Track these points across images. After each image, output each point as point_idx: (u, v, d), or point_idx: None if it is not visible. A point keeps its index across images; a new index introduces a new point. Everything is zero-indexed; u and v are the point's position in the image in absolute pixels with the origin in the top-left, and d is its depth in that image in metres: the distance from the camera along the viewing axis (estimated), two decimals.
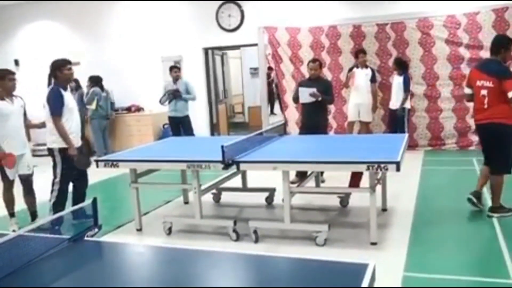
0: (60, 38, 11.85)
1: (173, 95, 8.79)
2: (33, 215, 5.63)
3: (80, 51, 11.54)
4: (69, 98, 5.40)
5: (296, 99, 7.06)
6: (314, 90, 6.62)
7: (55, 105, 5.22)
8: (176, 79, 8.97)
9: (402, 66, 8.66)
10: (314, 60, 7.05)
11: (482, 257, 4.21)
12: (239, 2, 10.27)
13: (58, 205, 5.32)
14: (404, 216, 5.30)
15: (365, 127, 8.97)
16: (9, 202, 5.63)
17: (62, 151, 5.30)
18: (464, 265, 4.04)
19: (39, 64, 11.56)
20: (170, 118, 9.02)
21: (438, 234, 4.73)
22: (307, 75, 9.36)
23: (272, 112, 12.65)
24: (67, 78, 5.41)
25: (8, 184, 5.55)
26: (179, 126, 8.94)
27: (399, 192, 6.03)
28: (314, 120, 6.77)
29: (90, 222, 2.68)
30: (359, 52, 8.80)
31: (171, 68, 9.10)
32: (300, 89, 6.82)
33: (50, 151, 5.37)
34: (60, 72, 5.33)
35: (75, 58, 11.36)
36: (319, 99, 6.65)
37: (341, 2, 9.52)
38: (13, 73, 5.61)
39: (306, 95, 6.68)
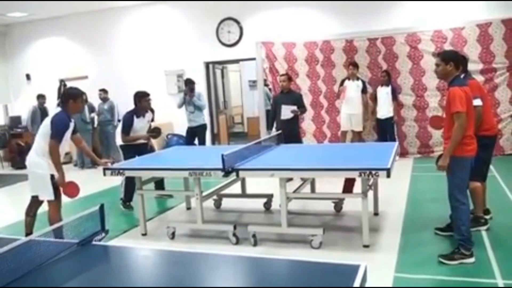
0: (68, 54, 11.90)
1: (186, 92, 8.67)
2: None
3: (88, 65, 11.61)
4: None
5: (274, 116, 7.46)
6: (294, 107, 7.17)
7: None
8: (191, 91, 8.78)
9: (390, 77, 8.88)
10: (282, 74, 7.69)
11: None
12: (238, 19, 10.33)
13: (127, 193, 6.37)
14: (395, 220, 5.31)
15: (357, 136, 9.00)
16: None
17: (121, 148, 6.47)
18: (451, 266, 4.03)
19: (49, 78, 11.67)
20: (187, 128, 8.97)
21: (427, 236, 4.73)
22: (302, 88, 9.50)
23: None
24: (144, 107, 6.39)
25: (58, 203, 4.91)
26: (194, 135, 8.89)
27: (390, 197, 6.03)
28: (290, 131, 7.14)
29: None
30: (349, 65, 8.88)
31: (185, 83, 9.02)
32: (283, 107, 7.19)
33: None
34: (139, 102, 6.40)
35: (83, 72, 11.51)
36: (298, 113, 7.31)
37: (334, 18, 9.59)
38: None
39: (288, 112, 7.16)
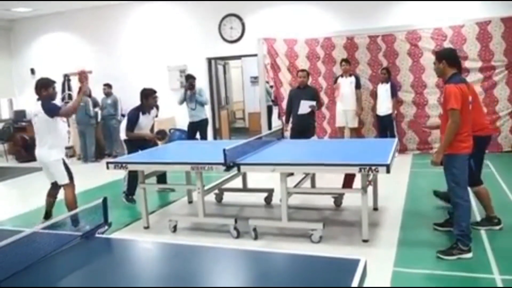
0: (72, 48, 11.87)
1: (187, 88, 8.62)
2: None
3: (92, 60, 11.57)
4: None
5: (290, 111, 7.50)
6: (313, 103, 7.19)
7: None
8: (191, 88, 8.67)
9: (390, 74, 8.84)
10: (302, 70, 7.63)
11: None
12: (240, 15, 10.30)
13: (129, 186, 6.30)
14: (394, 215, 5.30)
15: (355, 132, 8.99)
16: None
17: (125, 142, 6.53)
18: (450, 261, 4.03)
19: (53, 72, 11.64)
20: (189, 123, 8.95)
21: (425, 232, 4.73)
22: None
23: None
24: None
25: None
26: (196, 130, 8.83)
27: (390, 192, 6.02)
28: (306, 125, 7.29)
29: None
30: (341, 61, 8.86)
31: (185, 79, 8.97)
32: (303, 102, 7.20)
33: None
34: (146, 99, 6.39)
35: (87, 67, 11.46)
36: (316, 109, 7.35)
37: (335, 15, 9.56)
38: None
39: (306, 107, 7.18)
